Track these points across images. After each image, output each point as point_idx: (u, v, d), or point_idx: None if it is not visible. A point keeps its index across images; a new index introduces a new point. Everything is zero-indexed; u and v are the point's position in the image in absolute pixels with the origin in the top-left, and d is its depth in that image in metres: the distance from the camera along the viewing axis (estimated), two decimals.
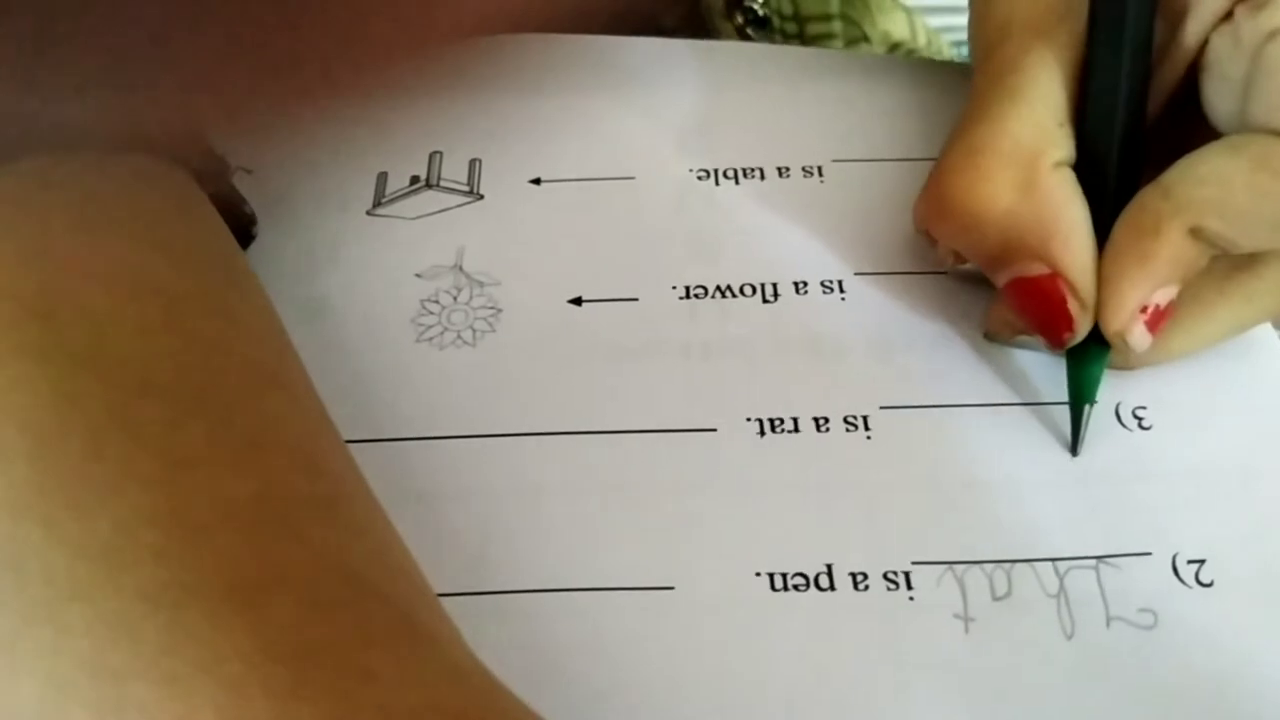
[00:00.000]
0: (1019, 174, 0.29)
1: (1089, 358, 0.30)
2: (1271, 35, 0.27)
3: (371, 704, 0.20)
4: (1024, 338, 0.31)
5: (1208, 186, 0.27)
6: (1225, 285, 0.29)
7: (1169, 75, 0.29)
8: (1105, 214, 0.29)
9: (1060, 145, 0.29)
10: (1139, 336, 0.29)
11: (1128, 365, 0.30)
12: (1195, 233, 0.27)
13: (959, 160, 0.30)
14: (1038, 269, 0.29)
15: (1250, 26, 0.27)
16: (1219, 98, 0.28)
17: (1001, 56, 0.30)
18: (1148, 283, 0.28)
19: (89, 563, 0.21)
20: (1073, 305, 0.29)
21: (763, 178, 0.36)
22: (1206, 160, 0.28)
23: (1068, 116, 0.29)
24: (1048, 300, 0.29)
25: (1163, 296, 0.28)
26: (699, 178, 0.36)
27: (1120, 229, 0.28)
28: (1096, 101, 0.29)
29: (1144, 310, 0.28)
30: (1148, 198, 0.28)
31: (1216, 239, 0.28)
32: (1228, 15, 0.28)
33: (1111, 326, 0.29)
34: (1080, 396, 0.30)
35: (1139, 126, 0.29)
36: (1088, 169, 0.29)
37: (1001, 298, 0.30)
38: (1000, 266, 0.30)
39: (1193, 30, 0.29)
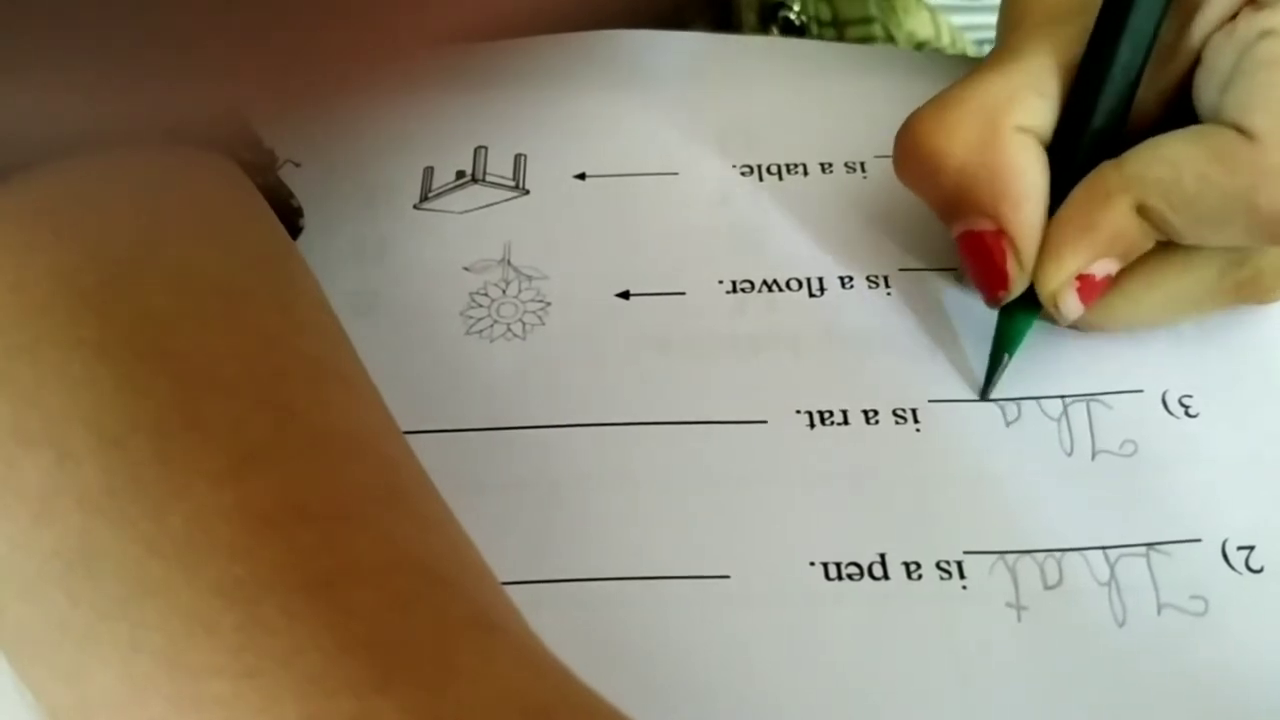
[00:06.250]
0: (980, 129, 0.29)
1: (1018, 314, 0.31)
2: (1264, 33, 0.27)
3: (454, 697, 0.20)
4: None
5: (1161, 167, 0.28)
6: (1168, 254, 0.29)
7: (1171, 73, 0.30)
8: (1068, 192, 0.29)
9: (1029, 111, 0.29)
10: (1070, 304, 0.29)
11: (1074, 325, 0.31)
12: (1141, 210, 0.28)
13: (928, 110, 0.30)
14: (985, 225, 0.29)
15: (1247, 23, 0.28)
16: (1206, 91, 0.29)
17: (1011, 38, 0.31)
18: (1088, 251, 0.29)
19: (162, 559, 0.21)
20: (1011, 265, 0.29)
21: (806, 173, 0.36)
22: (1167, 144, 0.28)
23: (1050, 91, 0.30)
24: (989, 256, 0.30)
25: (1100, 269, 0.29)
26: (742, 173, 0.36)
27: (1072, 196, 0.29)
28: (1081, 84, 0.29)
29: (1080, 278, 0.29)
30: (1104, 170, 0.29)
31: (1160, 222, 0.28)
32: (1233, 17, 0.29)
33: (1046, 287, 0.29)
34: (1000, 347, 0.31)
35: (1122, 115, 0.29)
36: (1061, 147, 0.30)
37: None
38: (953, 217, 0.30)
39: (1198, 31, 0.29)
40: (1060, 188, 0.29)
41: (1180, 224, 0.28)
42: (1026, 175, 0.29)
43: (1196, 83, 0.29)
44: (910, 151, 0.31)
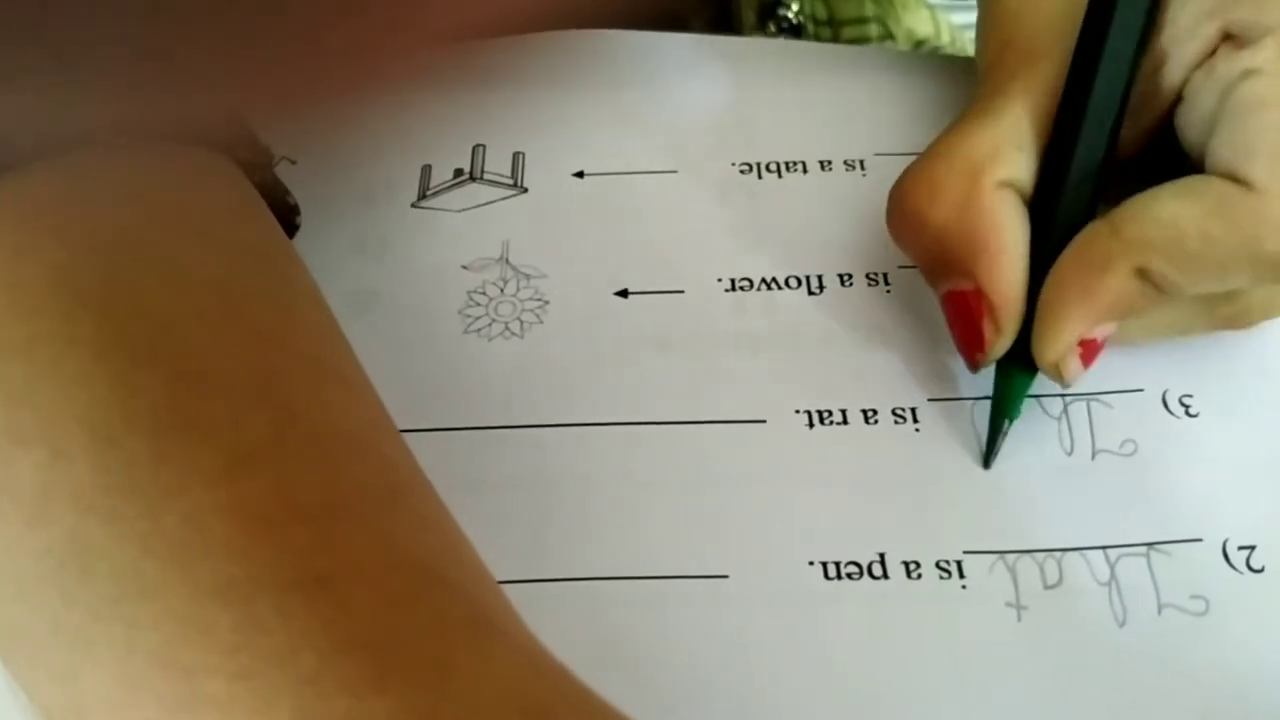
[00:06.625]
0: (961, 187, 0.28)
1: (1016, 374, 0.29)
2: (1246, 74, 0.27)
3: (452, 697, 0.20)
4: None
5: (1160, 228, 0.27)
6: None
7: (1152, 112, 0.29)
8: (1053, 245, 0.28)
9: (1011, 166, 0.28)
10: (1073, 370, 0.28)
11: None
12: (1142, 274, 0.27)
13: (913, 168, 0.29)
14: (965, 284, 0.29)
15: (1227, 62, 0.27)
16: (1189, 128, 0.28)
17: (993, 77, 0.30)
18: (1089, 318, 0.28)
19: (157, 559, 0.21)
20: (988, 327, 0.28)
21: (805, 171, 0.36)
22: (1161, 201, 0.27)
23: (1030, 143, 0.29)
24: (970, 316, 0.29)
25: (1101, 332, 0.28)
26: (741, 171, 0.36)
27: (1066, 261, 0.28)
28: (1060, 132, 0.28)
29: (1081, 343, 0.28)
30: (1097, 233, 0.28)
31: (1162, 282, 0.27)
32: (1211, 54, 0.28)
33: (1046, 358, 0.28)
34: (1000, 412, 0.30)
35: (1105, 161, 0.28)
36: (1042, 200, 0.29)
37: None
38: (937, 277, 0.30)
39: (1176, 68, 0.28)
40: (1044, 241, 0.28)
41: (1184, 282, 0.27)
42: (1005, 233, 0.28)
43: (1179, 120, 0.28)
44: (897, 210, 0.30)
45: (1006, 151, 0.28)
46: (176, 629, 0.20)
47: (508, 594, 0.25)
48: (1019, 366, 0.29)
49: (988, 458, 0.30)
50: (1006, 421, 0.29)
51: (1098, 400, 0.31)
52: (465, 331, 0.32)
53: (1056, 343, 0.28)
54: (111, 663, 0.20)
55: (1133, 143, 0.29)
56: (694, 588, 0.28)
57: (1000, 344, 0.29)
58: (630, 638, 0.27)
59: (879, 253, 0.34)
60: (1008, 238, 0.28)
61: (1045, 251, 0.28)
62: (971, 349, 0.29)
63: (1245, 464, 0.29)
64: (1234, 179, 0.26)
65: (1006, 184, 0.28)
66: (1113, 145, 0.28)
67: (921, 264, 0.30)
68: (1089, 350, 0.28)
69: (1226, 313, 0.29)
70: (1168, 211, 0.27)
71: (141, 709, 0.20)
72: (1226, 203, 0.26)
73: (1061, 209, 0.28)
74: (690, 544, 0.28)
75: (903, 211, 0.29)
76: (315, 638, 0.20)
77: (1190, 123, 0.28)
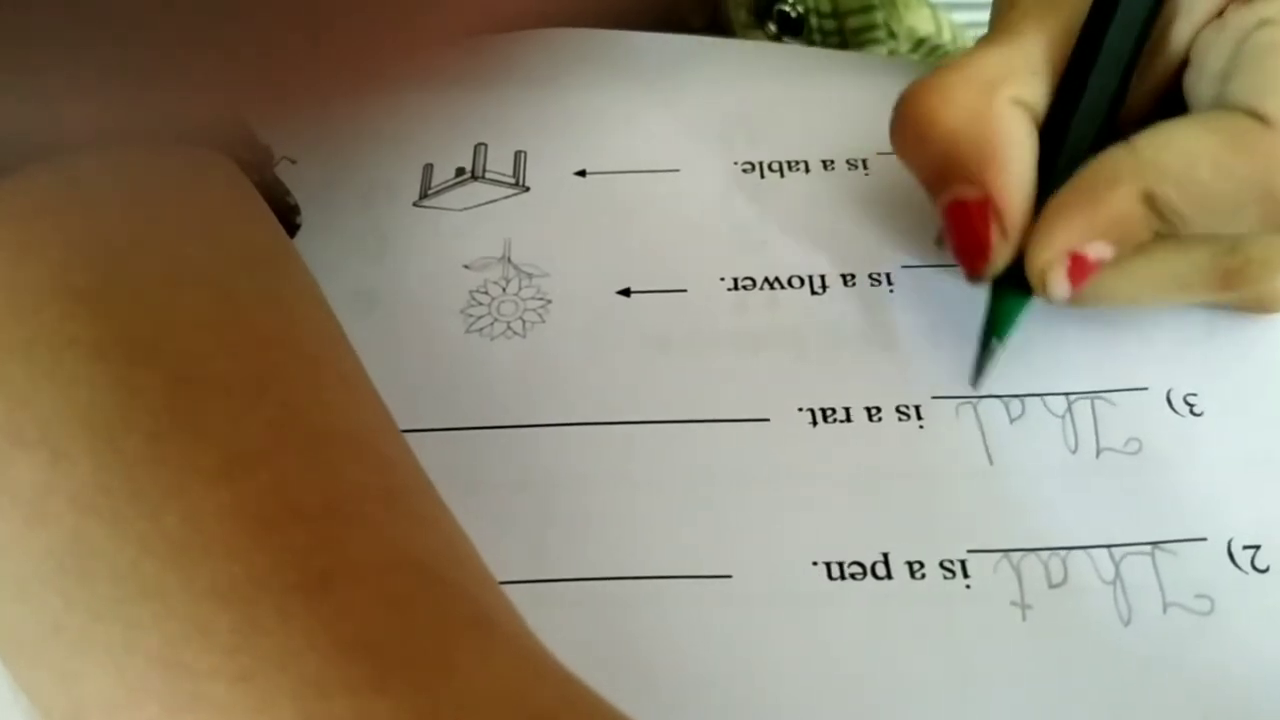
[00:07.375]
0: (973, 98, 0.29)
1: (1010, 296, 0.30)
2: (1262, 23, 0.27)
3: (452, 698, 0.20)
4: None
5: (1174, 154, 0.27)
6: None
7: (1159, 72, 0.30)
8: (1059, 172, 0.29)
9: (1023, 85, 0.29)
10: (1058, 282, 0.28)
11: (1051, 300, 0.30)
12: (1149, 198, 0.27)
13: (925, 79, 0.30)
14: (971, 192, 0.29)
15: (1239, 17, 0.28)
16: (1198, 87, 0.29)
17: (1007, 17, 0.31)
18: (1086, 227, 0.28)
19: (157, 560, 0.21)
20: (995, 233, 0.29)
21: (807, 170, 0.36)
22: (1180, 129, 0.28)
23: (1044, 69, 0.29)
24: (972, 226, 0.29)
25: (1095, 250, 0.28)
26: (744, 170, 0.36)
27: (1080, 174, 0.28)
28: (1075, 63, 0.29)
29: (1072, 258, 0.28)
30: (1115, 152, 0.28)
31: (1168, 210, 0.27)
32: (1219, 14, 0.28)
33: (1037, 260, 0.28)
34: (991, 331, 0.30)
35: (1115, 99, 0.29)
36: (1054, 127, 0.29)
37: None
38: (941, 185, 0.30)
39: (1184, 29, 0.29)
40: (1051, 169, 0.29)
41: (1189, 213, 0.27)
42: (1016, 145, 0.29)
43: (1187, 81, 0.29)
44: (904, 118, 0.30)
45: (1021, 73, 0.29)
46: (177, 630, 0.20)
47: (509, 594, 0.24)
48: (1013, 288, 0.30)
49: (975, 377, 0.30)
50: (996, 340, 0.30)
51: (1102, 398, 0.30)
52: (467, 331, 0.32)
53: (1050, 245, 0.28)
54: (112, 664, 0.20)
55: (1139, 104, 0.30)
56: (696, 588, 0.27)
57: (1004, 252, 0.29)
58: (632, 638, 0.27)
59: (882, 252, 0.34)
60: (1018, 148, 0.29)
61: (1050, 177, 0.29)
62: (974, 257, 0.29)
63: (1250, 463, 0.29)
64: (1253, 115, 0.27)
65: (1018, 102, 0.29)
66: (1126, 79, 0.29)
67: (926, 171, 0.30)
68: (1079, 269, 0.28)
69: (1228, 265, 0.29)
70: (1184, 139, 0.27)
71: (142, 710, 0.20)
72: (1244, 136, 0.27)
73: (1071, 138, 0.29)
74: (693, 544, 0.28)
75: (911, 117, 0.30)
76: (316, 638, 0.20)
77: (1198, 81, 0.29)
